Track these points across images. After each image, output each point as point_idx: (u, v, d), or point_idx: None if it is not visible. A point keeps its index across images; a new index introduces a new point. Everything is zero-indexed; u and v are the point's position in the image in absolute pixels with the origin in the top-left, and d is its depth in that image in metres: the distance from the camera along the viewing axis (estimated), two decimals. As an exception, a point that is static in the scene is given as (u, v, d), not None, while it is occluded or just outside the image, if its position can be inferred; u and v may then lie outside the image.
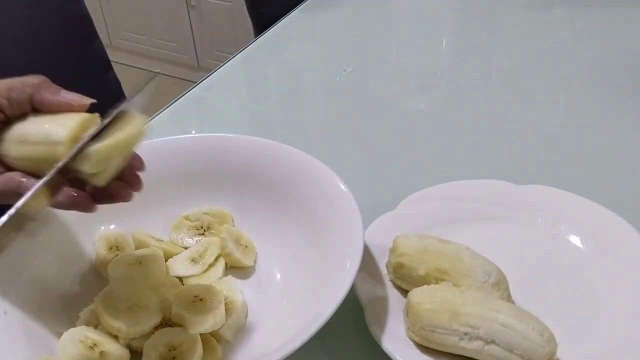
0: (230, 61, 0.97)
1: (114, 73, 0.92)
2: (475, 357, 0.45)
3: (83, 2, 0.87)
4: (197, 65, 2.63)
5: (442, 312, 0.44)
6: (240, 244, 0.55)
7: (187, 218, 0.57)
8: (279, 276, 0.54)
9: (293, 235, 0.55)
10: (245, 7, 1.41)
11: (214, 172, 0.59)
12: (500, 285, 0.48)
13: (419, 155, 0.72)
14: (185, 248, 0.56)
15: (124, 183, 0.45)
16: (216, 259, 0.54)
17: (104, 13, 2.71)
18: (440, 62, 0.96)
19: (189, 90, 0.88)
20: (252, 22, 1.40)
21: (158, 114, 0.82)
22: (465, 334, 0.44)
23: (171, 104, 0.85)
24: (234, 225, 0.58)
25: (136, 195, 0.45)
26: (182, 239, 0.57)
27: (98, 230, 0.56)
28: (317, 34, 1.08)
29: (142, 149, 0.48)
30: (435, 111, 0.82)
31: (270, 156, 0.57)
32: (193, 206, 0.58)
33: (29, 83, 0.44)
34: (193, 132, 0.74)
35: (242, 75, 0.96)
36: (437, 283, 0.48)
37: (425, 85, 0.87)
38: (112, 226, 0.57)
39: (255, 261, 0.56)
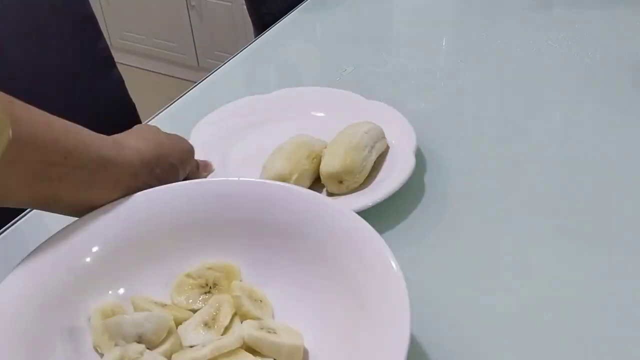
0: (230, 61, 0.97)
1: (117, 71, 0.93)
2: None
3: (88, 1, 0.88)
4: (197, 65, 2.63)
5: None
6: (255, 300, 0.49)
7: (189, 276, 0.51)
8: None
9: (316, 290, 0.48)
10: (245, 7, 1.41)
11: (215, 220, 0.52)
12: None
13: (419, 154, 0.72)
14: (193, 311, 0.50)
15: None
16: (231, 321, 0.48)
17: (104, 13, 2.71)
18: (440, 62, 0.96)
19: (188, 90, 0.88)
20: (252, 22, 1.40)
21: (158, 114, 0.83)
22: None
23: (171, 104, 0.85)
24: (241, 280, 0.51)
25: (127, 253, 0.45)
26: (186, 300, 0.50)
27: (86, 301, 0.48)
28: (317, 34, 1.08)
29: (133, 200, 0.49)
30: (435, 111, 0.82)
31: (283, 199, 0.51)
32: (193, 261, 0.51)
33: None
34: (192, 132, 0.74)
35: (242, 75, 0.96)
36: None
37: (425, 86, 0.87)
38: (110, 292, 0.50)
39: (273, 317, 0.50)
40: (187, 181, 0.54)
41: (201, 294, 0.50)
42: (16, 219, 0.66)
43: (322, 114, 0.78)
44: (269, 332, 0.46)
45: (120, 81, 0.95)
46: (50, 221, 0.53)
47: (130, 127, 0.79)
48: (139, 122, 0.86)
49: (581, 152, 0.72)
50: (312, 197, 0.51)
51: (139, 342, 0.45)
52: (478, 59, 0.94)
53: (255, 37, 1.07)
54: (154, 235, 0.51)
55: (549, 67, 0.89)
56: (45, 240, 0.47)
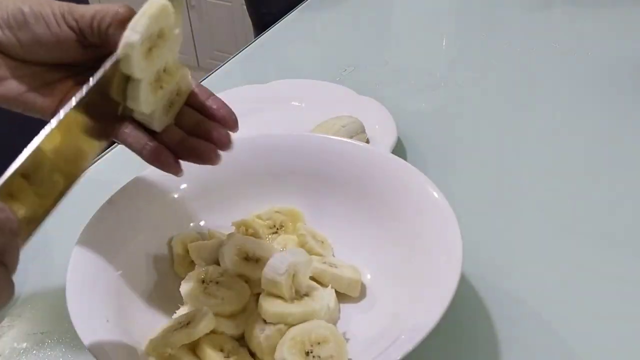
0: (230, 61, 0.97)
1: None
2: None
3: (87, 2, 0.88)
4: (197, 65, 2.63)
5: None
6: (317, 240, 0.54)
7: (259, 217, 0.57)
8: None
9: (372, 235, 0.54)
10: (245, 7, 1.42)
11: (284, 170, 0.58)
12: None
13: (419, 154, 0.72)
14: None
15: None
16: None
17: (104, 13, 2.71)
18: (439, 62, 0.96)
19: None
20: (252, 22, 1.40)
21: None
22: None
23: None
24: (305, 224, 0.57)
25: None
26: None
27: (171, 231, 0.54)
28: (317, 34, 1.08)
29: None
30: (434, 111, 0.82)
31: (345, 153, 0.57)
32: (263, 205, 0.57)
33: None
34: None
35: (242, 75, 0.96)
36: None
37: (425, 85, 0.87)
38: (191, 224, 0.56)
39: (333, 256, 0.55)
40: (262, 134, 0.59)
41: (269, 234, 0.56)
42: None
43: (303, 105, 0.80)
44: (331, 266, 0.51)
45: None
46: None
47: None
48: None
49: (580, 151, 0.72)
50: (371, 150, 0.57)
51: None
52: (478, 58, 0.94)
53: (255, 37, 1.07)
54: (232, 180, 0.57)
55: (549, 67, 0.89)
56: (141, 174, 0.54)
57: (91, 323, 0.42)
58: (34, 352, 0.51)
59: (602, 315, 0.51)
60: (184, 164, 0.46)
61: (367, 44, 1.01)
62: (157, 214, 0.54)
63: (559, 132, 0.76)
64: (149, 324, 0.47)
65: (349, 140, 0.59)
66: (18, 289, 0.34)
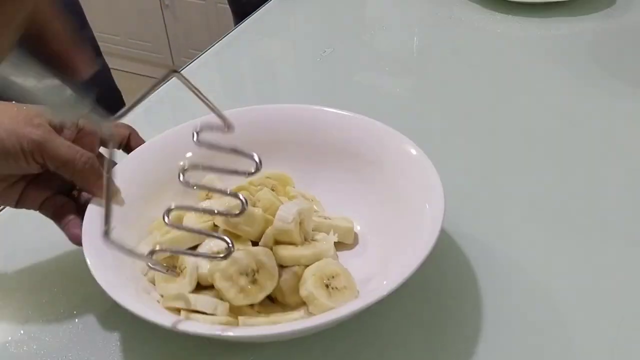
0: (210, 49, 0.99)
1: (103, 59, 0.95)
2: None
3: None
4: (172, 64, 2.65)
5: None
6: (307, 199, 0.59)
7: (251, 183, 0.60)
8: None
9: (359, 194, 0.58)
10: (218, 5, 1.43)
11: (274, 141, 0.62)
12: None
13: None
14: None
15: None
16: None
17: (77, 14, 2.70)
18: (416, 46, 1.00)
19: (160, 86, 0.88)
20: (232, 11, 1.42)
21: (131, 110, 0.83)
22: None
23: (143, 100, 0.85)
24: (294, 187, 0.61)
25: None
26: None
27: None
28: (297, 19, 1.11)
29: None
30: (412, 94, 0.85)
31: (326, 121, 0.61)
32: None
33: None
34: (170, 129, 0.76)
35: (221, 61, 0.99)
36: None
37: (402, 69, 0.91)
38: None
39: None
40: (252, 107, 0.63)
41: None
42: None
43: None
44: (326, 219, 0.56)
45: (107, 69, 0.97)
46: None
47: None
48: (125, 109, 0.88)
49: (554, 134, 0.76)
50: (356, 118, 0.60)
51: None
52: (454, 42, 0.98)
53: (235, 25, 1.10)
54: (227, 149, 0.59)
55: (519, 43, 0.94)
56: (153, 139, 0.60)
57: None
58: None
59: (590, 275, 0.55)
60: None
61: (346, 28, 1.04)
62: (164, 178, 0.57)
63: (531, 112, 0.81)
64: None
65: (336, 110, 0.62)
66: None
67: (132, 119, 0.80)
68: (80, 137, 0.54)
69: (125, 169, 0.56)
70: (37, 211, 0.53)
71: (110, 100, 0.98)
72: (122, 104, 1.00)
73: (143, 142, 0.60)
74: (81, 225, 0.50)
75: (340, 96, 0.84)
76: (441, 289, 0.54)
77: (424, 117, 0.79)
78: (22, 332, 0.53)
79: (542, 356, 0.48)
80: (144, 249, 0.51)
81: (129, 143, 0.58)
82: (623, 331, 0.50)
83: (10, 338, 0.52)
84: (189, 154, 0.59)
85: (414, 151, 0.55)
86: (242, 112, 0.62)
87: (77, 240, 0.50)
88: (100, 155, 0.58)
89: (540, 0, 1.00)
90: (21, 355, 0.51)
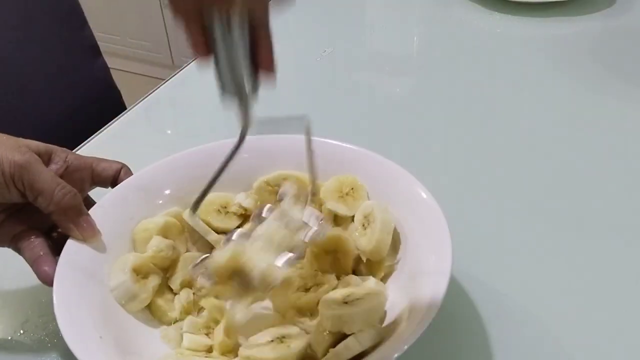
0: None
1: (102, 59, 0.95)
2: None
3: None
4: (172, 64, 2.64)
5: None
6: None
7: (267, 183, 0.58)
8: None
9: None
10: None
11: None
12: None
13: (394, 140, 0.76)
14: None
15: None
16: None
17: (76, 14, 2.70)
18: (415, 46, 1.00)
19: (160, 86, 0.88)
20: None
21: (130, 110, 0.84)
22: None
23: (144, 99, 0.85)
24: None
25: None
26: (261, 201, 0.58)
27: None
28: (296, 19, 1.11)
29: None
30: (410, 94, 0.85)
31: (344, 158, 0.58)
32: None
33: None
34: (168, 131, 0.76)
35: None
36: None
37: (400, 70, 0.91)
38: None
39: None
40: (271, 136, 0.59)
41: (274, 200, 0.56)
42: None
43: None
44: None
45: (106, 69, 0.97)
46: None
47: (115, 114, 0.81)
48: (124, 109, 0.88)
49: (565, 143, 0.75)
50: (365, 154, 0.57)
51: None
52: (454, 42, 0.98)
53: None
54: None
55: (515, 43, 0.94)
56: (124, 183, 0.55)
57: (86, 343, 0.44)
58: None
59: (591, 310, 0.52)
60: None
61: (345, 27, 1.04)
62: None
63: (527, 112, 0.80)
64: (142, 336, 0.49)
65: (343, 144, 0.59)
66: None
67: (132, 118, 0.81)
68: (69, 172, 0.52)
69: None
70: (8, 247, 0.51)
71: (110, 100, 0.98)
72: (122, 103, 1.00)
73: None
74: (53, 263, 0.48)
75: (340, 96, 0.84)
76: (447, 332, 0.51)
77: (424, 117, 0.79)
78: (22, 332, 0.53)
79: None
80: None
81: (119, 179, 0.56)
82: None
83: (10, 338, 0.52)
84: (167, 191, 0.57)
85: (423, 194, 0.52)
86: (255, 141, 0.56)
87: (45, 279, 0.47)
88: (86, 198, 0.56)
89: (540, 0, 1.00)
90: (21, 355, 0.51)
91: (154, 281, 0.52)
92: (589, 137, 0.73)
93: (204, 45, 0.37)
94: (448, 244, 0.46)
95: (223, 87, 0.38)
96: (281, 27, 1.04)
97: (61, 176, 0.51)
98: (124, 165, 0.56)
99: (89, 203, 0.55)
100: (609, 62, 0.87)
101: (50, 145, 0.52)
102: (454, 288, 0.54)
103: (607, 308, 0.52)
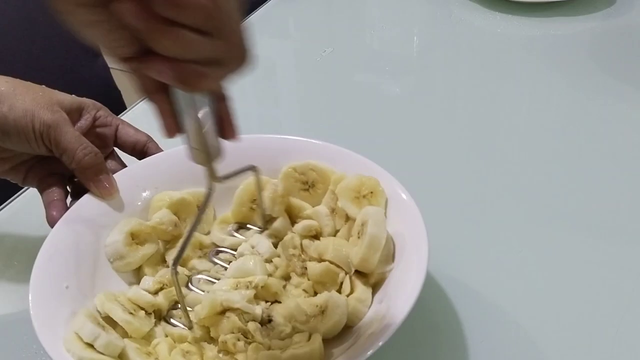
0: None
1: (103, 59, 0.95)
2: None
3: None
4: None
5: None
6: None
7: (294, 169, 0.57)
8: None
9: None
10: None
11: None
12: None
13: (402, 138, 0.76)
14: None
15: None
16: None
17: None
18: (415, 47, 1.00)
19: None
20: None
21: (130, 109, 0.84)
22: None
23: (144, 99, 0.85)
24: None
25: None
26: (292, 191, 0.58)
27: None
28: (295, 20, 1.11)
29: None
30: (410, 95, 0.85)
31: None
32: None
33: None
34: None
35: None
36: None
37: (401, 70, 0.91)
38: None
39: None
40: (258, 136, 0.59)
41: (301, 190, 0.58)
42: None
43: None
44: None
45: (106, 69, 0.97)
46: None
47: (115, 114, 0.81)
48: (124, 108, 0.88)
49: (550, 144, 0.75)
50: (347, 154, 0.57)
51: None
52: (454, 42, 0.98)
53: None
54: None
55: (518, 45, 0.94)
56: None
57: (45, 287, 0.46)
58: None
59: (572, 315, 0.52)
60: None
61: (345, 27, 1.04)
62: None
63: (529, 110, 0.81)
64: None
65: (325, 144, 0.58)
66: None
67: (132, 118, 0.81)
68: (95, 127, 0.57)
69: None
70: (35, 187, 0.56)
71: (110, 100, 0.97)
72: (122, 103, 1.00)
73: (161, 151, 0.60)
74: (63, 209, 0.53)
75: (340, 96, 0.85)
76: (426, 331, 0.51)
77: (423, 116, 0.79)
78: (22, 331, 0.53)
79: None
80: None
81: (146, 151, 0.59)
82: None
83: (10, 338, 0.52)
84: (145, 193, 0.57)
85: (404, 196, 0.51)
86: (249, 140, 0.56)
87: (50, 221, 0.52)
88: (112, 153, 0.60)
89: (540, 0, 1.00)
90: (21, 355, 0.51)
91: (148, 249, 0.53)
92: (588, 136, 0.73)
93: (175, 125, 0.39)
94: (425, 245, 0.46)
95: (191, 153, 0.42)
96: (281, 27, 1.06)
97: (88, 130, 0.56)
98: (149, 138, 0.60)
99: (118, 162, 0.59)
100: (608, 62, 0.87)
101: (83, 100, 0.57)
102: (434, 289, 0.54)
103: (586, 309, 0.52)
